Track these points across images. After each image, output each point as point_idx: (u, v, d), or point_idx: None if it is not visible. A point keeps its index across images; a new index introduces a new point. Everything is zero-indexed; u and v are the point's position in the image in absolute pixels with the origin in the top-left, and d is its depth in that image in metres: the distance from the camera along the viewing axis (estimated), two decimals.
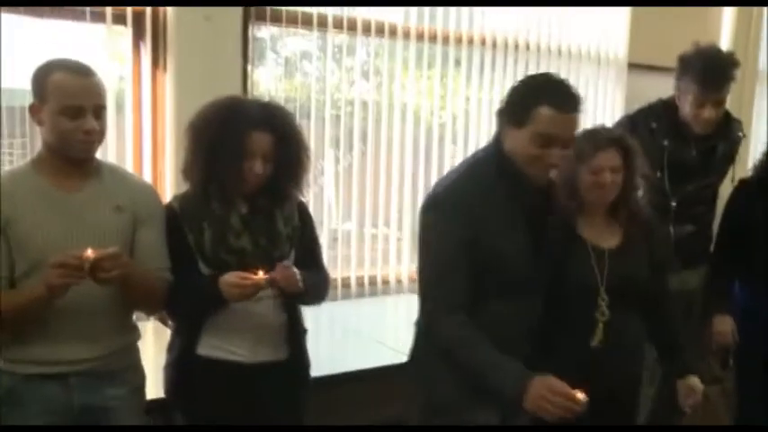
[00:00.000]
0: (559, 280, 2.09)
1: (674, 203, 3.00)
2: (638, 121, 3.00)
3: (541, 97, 1.85)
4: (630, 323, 2.27)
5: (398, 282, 3.77)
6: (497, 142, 1.97)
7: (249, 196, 2.13)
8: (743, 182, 3.01)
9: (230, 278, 1.99)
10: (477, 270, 1.89)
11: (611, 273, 2.21)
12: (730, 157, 3.09)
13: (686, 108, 2.88)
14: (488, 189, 1.92)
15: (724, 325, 2.93)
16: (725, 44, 4.49)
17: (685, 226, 3.02)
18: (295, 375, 2.25)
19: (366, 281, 3.68)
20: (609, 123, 3.00)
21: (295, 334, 2.23)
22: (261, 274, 1.99)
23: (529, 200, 1.96)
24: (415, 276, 3.76)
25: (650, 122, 2.96)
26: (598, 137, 2.21)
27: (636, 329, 2.30)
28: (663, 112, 2.98)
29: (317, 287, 2.24)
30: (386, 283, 3.73)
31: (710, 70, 2.81)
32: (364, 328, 3.17)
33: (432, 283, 1.93)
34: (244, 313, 2.08)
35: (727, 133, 3.03)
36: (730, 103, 3.05)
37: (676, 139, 2.94)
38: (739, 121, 3.13)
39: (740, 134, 3.09)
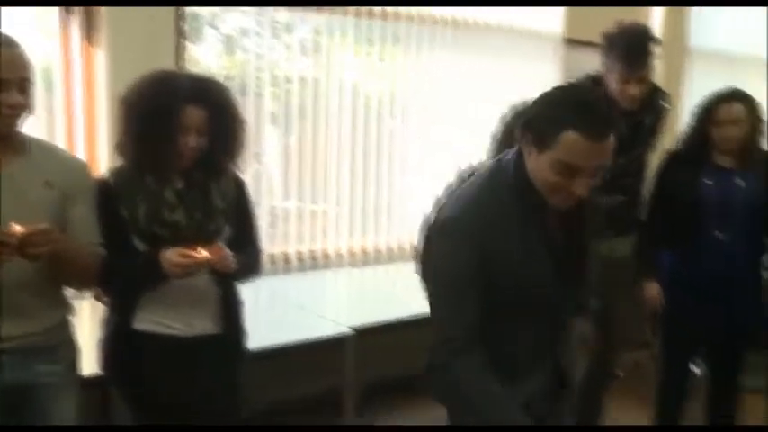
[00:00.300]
0: None
1: (605, 176, 3.09)
2: None
3: (569, 120, 1.58)
4: None
5: (339, 255, 3.82)
6: (520, 156, 1.71)
7: (184, 170, 2.13)
8: (670, 153, 3.11)
9: (172, 256, 1.99)
10: (492, 288, 1.70)
11: None
12: (657, 129, 3.19)
13: (612, 85, 2.96)
14: (508, 205, 1.71)
15: (653, 290, 3.04)
16: (657, 20, 4.61)
17: (616, 196, 3.11)
18: (231, 348, 2.27)
19: (306, 255, 3.71)
20: None
21: (231, 307, 2.24)
22: (202, 252, 2.01)
23: (546, 222, 1.75)
24: (355, 250, 3.86)
25: None
26: None
27: None
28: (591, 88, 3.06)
29: (250, 266, 2.27)
30: (326, 257, 3.77)
31: (633, 48, 2.89)
32: (305, 301, 3.19)
33: (444, 313, 1.75)
34: (180, 287, 2.08)
35: (654, 106, 3.12)
36: (661, 78, 3.15)
37: None
38: (665, 92, 3.24)
39: (665, 105, 3.19)
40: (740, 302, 2.89)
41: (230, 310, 2.24)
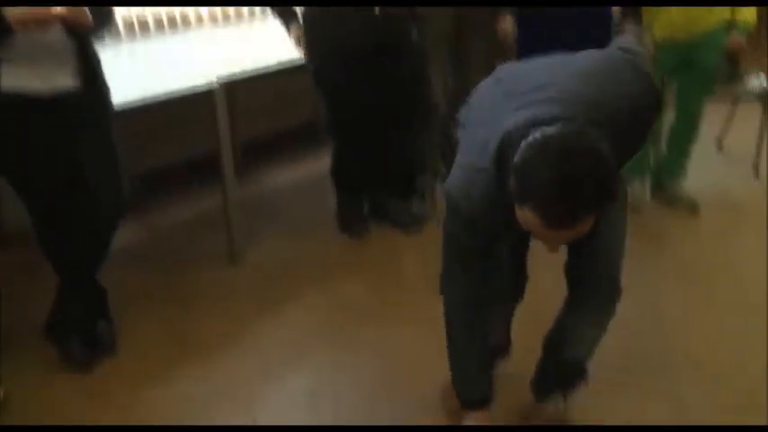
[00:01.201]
0: None
1: None
2: None
3: (531, 198, 1.40)
4: None
5: (198, 18, 3.70)
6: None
7: None
8: None
9: (18, 9, 1.88)
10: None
11: None
12: None
13: None
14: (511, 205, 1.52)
15: (507, 24, 3.20)
16: None
17: None
18: (96, 104, 2.24)
19: (165, 18, 3.57)
20: None
21: (89, 61, 2.19)
22: (57, 9, 1.92)
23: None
24: (219, 14, 3.74)
25: None
26: None
27: None
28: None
29: (102, 19, 2.18)
30: (185, 20, 3.65)
31: None
32: (168, 60, 3.13)
33: (446, 275, 1.87)
34: (33, 43, 2.01)
35: None
36: None
37: None
38: None
39: None
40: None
41: (89, 65, 2.19)
